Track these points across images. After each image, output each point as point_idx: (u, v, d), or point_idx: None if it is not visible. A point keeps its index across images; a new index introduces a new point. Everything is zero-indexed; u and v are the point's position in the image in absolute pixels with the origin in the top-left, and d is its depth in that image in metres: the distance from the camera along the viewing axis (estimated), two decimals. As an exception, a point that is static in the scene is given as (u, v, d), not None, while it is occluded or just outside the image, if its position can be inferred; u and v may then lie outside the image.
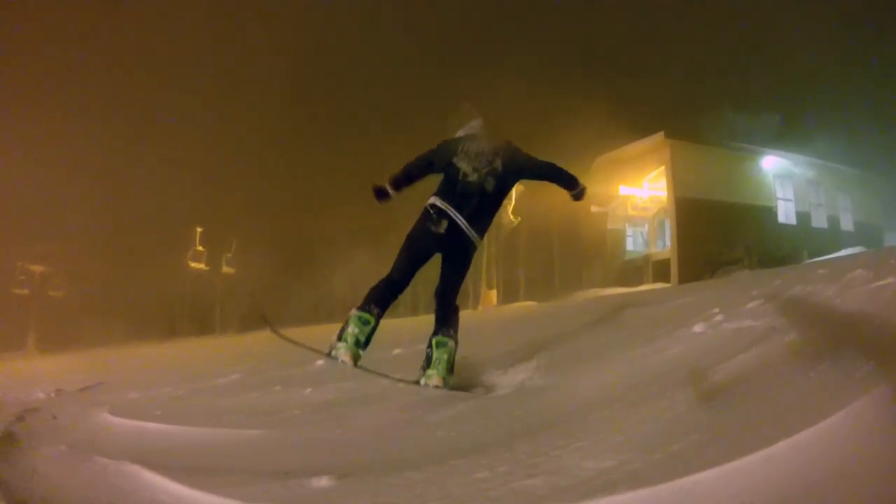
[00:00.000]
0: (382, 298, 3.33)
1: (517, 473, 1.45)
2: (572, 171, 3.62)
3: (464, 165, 3.40)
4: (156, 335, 28.49)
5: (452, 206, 3.34)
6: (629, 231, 19.89)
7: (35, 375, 7.34)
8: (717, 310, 3.17)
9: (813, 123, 19.37)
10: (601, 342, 3.62)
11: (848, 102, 19.77)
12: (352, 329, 3.19)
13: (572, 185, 3.59)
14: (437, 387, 3.18)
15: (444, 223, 3.32)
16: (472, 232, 3.36)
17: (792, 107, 19.68)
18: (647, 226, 19.49)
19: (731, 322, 2.78)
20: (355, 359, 3.16)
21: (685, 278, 14.96)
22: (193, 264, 24.10)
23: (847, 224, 19.19)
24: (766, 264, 13.27)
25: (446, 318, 3.45)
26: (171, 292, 26.27)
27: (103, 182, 23.29)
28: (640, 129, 17.14)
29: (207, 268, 24.21)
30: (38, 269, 27.72)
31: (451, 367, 3.30)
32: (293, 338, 3.53)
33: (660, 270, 17.20)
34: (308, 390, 3.56)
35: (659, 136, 15.73)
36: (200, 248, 24.34)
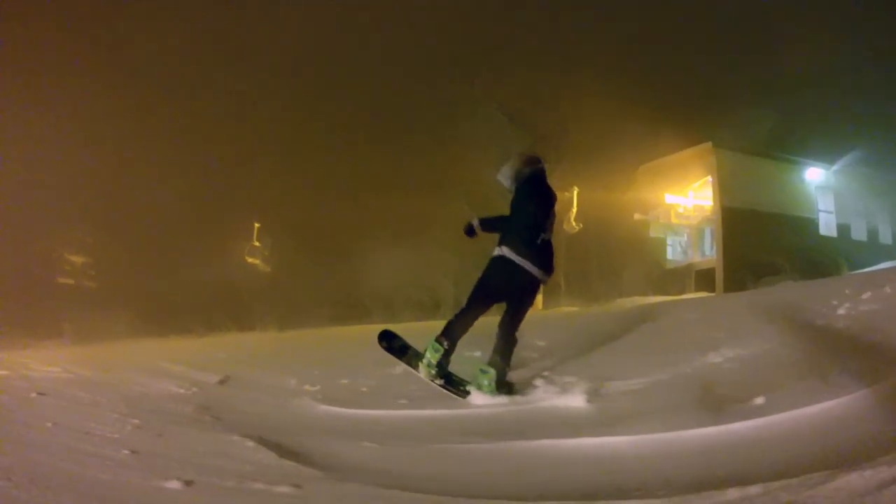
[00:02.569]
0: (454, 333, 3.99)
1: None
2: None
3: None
4: (193, 329, 28.95)
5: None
6: (669, 239, 20.14)
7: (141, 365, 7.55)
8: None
9: (852, 135, 19.43)
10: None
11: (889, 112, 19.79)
12: (427, 355, 3.89)
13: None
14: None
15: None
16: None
17: (833, 116, 19.71)
18: (686, 235, 19.74)
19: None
20: (430, 378, 3.88)
21: (730, 287, 15.20)
22: (251, 260, 24.26)
23: (886, 237, 19.36)
24: (807, 276, 13.51)
25: (504, 346, 4.02)
26: (211, 285, 26.60)
27: (146, 172, 23.57)
28: (681, 137, 17.41)
29: (264, 264, 24.39)
30: (78, 259, 28.35)
31: (497, 388, 3.83)
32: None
33: (702, 279, 17.46)
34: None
35: (706, 146, 16.01)
36: (257, 243, 24.35)
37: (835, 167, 18.08)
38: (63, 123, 22.08)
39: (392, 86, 23.63)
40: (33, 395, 4.13)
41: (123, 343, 17.91)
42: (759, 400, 2.52)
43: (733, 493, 1.54)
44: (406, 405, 3.84)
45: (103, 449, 2.52)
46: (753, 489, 1.52)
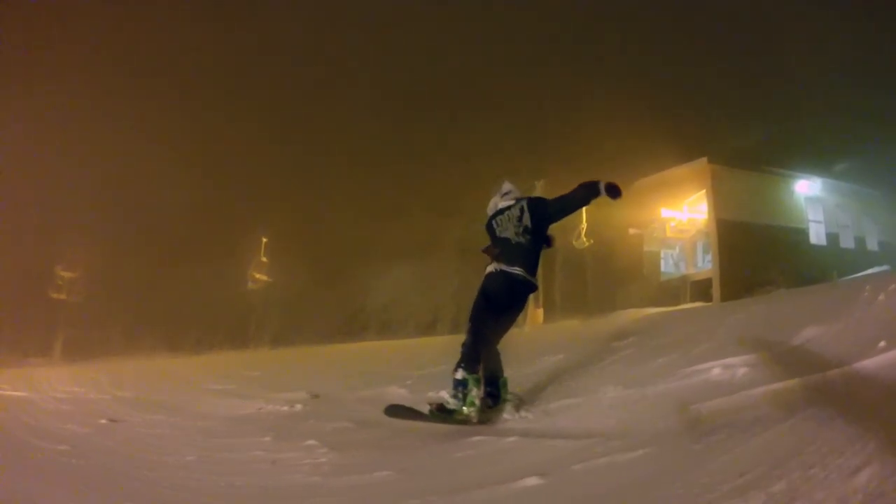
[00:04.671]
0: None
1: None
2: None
3: (504, 233, 4.23)
4: (185, 347, 28.49)
5: (506, 265, 4.11)
6: (662, 253, 20.50)
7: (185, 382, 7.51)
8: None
9: (838, 146, 20.09)
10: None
11: (871, 119, 20.51)
12: (475, 392, 3.85)
13: (596, 192, 4.20)
14: None
15: (501, 279, 4.09)
16: (529, 276, 4.13)
17: (822, 130, 20.36)
18: (678, 248, 20.14)
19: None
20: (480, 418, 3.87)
21: (727, 297, 15.53)
22: (258, 276, 23.85)
23: (872, 244, 19.93)
24: (799, 284, 13.91)
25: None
26: (207, 302, 26.29)
27: (137, 188, 23.34)
28: (677, 153, 17.79)
29: (271, 280, 24.04)
30: (68, 274, 27.87)
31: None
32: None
33: (697, 290, 17.79)
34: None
35: (702, 162, 16.37)
36: (265, 258, 23.94)
37: (825, 179, 18.62)
38: (63, 133, 21.89)
39: (395, 112, 23.84)
40: (103, 421, 4.13)
41: (143, 361, 17.74)
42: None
43: None
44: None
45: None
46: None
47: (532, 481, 2.19)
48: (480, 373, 3.87)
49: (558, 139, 19.49)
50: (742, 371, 3.28)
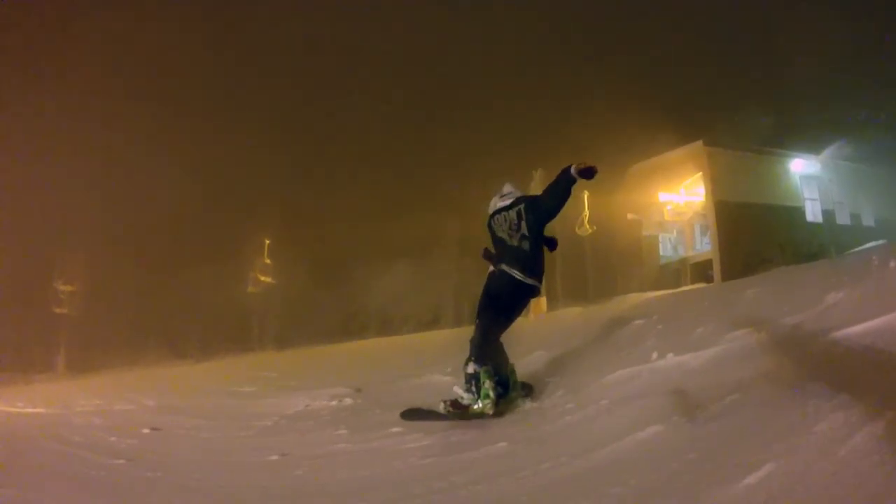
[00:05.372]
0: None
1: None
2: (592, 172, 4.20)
3: (501, 233, 4.30)
4: (189, 353, 28.35)
5: (506, 266, 4.16)
6: (660, 237, 20.61)
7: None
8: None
9: (835, 126, 20.26)
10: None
11: (862, 97, 20.68)
12: (488, 384, 3.88)
13: (571, 177, 4.15)
14: None
15: (503, 279, 4.13)
16: (528, 278, 4.15)
17: (809, 106, 20.54)
18: (675, 231, 20.25)
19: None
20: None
21: (727, 277, 15.65)
22: (262, 278, 23.68)
23: (868, 220, 20.09)
24: (798, 261, 14.05)
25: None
26: (210, 307, 26.16)
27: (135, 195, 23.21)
28: (672, 136, 17.90)
29: (275, 282, 23.89)
30: (67, 288, 27.69)
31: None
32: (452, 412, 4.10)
33: (697, 272, 17.93)
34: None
35: (697, 144, 16.47)
36: (268, 260, 23.72)
37: (820, 157, 18.77)
38: (62, 134, 21.76)
39: (394, 110, 23.83)
40: (146, 430, 4.07)
41: (148, 370, 17.65)
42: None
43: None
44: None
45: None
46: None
47: (654, 429, 2.27)
48: (490, 365, 3.94)
49: (555, 127, 19.51)
50: (781, 331, 3.37)
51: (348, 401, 4.87)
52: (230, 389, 6.73)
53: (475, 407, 3.82)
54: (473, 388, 3.87)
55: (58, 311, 26.62)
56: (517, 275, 4.11)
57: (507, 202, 4.36)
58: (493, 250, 4.39)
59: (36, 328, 28.04)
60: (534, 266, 4.21)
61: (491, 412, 3.79)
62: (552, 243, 4.45)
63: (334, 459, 2.95)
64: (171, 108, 23.43)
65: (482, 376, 3.85)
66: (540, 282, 4.24)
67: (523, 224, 4.21)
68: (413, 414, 4.14)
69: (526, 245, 4.17)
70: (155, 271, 26.90)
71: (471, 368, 3.91)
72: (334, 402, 4.84)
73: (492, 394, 3.81)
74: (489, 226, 4.43)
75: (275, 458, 3.06)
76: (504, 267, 4.13)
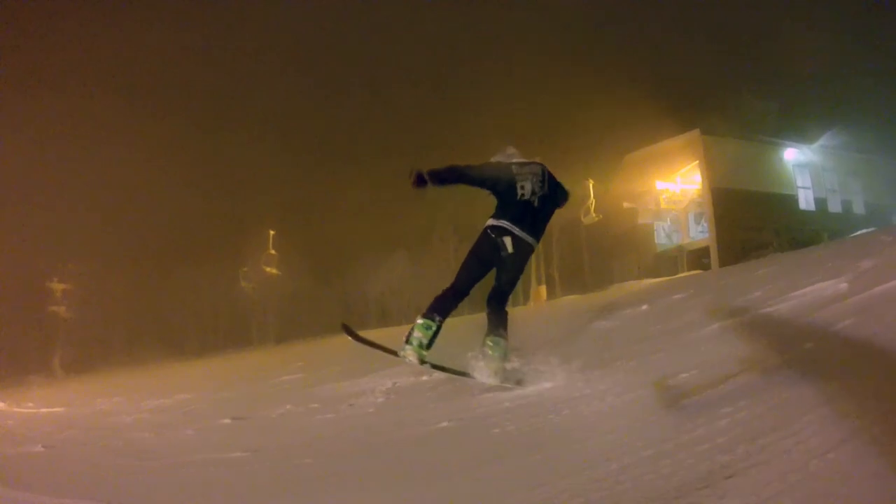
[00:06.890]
0: (444, 307, 3.84)
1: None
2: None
3: (522, 188, 3.85)
4: (188, 352, 28.08)
5: (514, 224, 3.80)
6: (656, 225, 20.84)
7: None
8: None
9: (823, 112, 20.58)
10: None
11: (856, 88, 21.04)
12: (417, 334, 3.72)
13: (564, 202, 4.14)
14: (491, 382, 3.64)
15: (509, 240, 3.77)
16: (532, 238, 3.85)
17: (804, 96, 20.87)
18: (669, 220, 20.48)
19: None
20: (420, 359, 3.69)
21: (724, 262, 15.92)
22: (267, 269, 23.48)
23: (859, 207, 20.42)
24: (792, 247, 14.34)
25: (499, 319, 3.87)
26: (205, 305, 26.17)
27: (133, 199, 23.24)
28: (669, 125, 18.17)
29: (279, 273, 23.73)
30: (60, 287, 27.56)
31: (504, 360, 3.73)
32: (371, 341, 4.11)
33: (694, 259, 18.20)
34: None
35: (694, 133, 16.72)
36: (273, 251, 23.41)
37: (813, 146, 19.08)
38: (61, 136, 21.75)
39: (393, 109, 23.88)
40: (227, 420, 3.95)
41: (153, 368, 17.51)
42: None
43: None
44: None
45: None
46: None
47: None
48: (435, 320, 3.78)
49: (553, 117, 19.71)
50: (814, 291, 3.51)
51: (425, 378, 4.55)
52: (274, 380, 6.60)
53: (400, 353, 3.74)
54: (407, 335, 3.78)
55: (55, 309, 26.59)
56: (528, 238, 3.83)
57: (524, 159, 4.03)
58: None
59: (37, 329, 27.99)
60: (542, 229, 3.98)
61: (413, 360, 3.68)
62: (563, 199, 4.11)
63: (465, 434, 2.62)
64: (171, 108, 23.51)
65: (415, 327, 3.75)
66: (538, 242, 3.96)
67: (546, 185, 3.95)
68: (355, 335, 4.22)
69: (541, 205, 3.90)
70: (156, 271, 26.96)
71: (417, 319, 3.80)
72: (412, 379, 4.64)
73: (415, 343, 3.68)
74: (504, 167, 3.93)
75: (400, 435, 2.79)
76: (513, 227, 3.82)
